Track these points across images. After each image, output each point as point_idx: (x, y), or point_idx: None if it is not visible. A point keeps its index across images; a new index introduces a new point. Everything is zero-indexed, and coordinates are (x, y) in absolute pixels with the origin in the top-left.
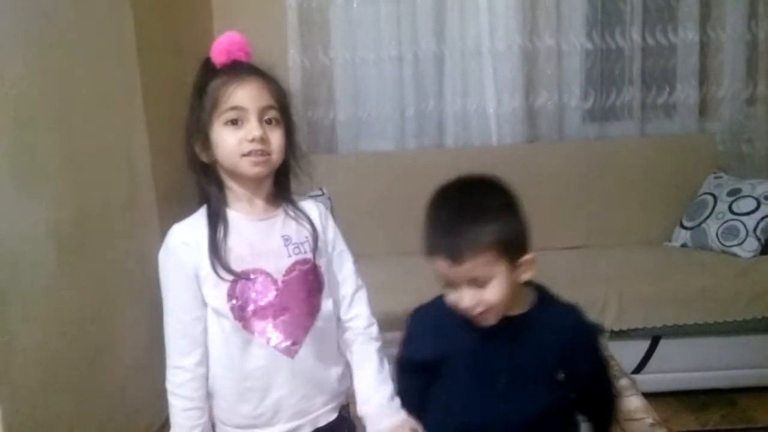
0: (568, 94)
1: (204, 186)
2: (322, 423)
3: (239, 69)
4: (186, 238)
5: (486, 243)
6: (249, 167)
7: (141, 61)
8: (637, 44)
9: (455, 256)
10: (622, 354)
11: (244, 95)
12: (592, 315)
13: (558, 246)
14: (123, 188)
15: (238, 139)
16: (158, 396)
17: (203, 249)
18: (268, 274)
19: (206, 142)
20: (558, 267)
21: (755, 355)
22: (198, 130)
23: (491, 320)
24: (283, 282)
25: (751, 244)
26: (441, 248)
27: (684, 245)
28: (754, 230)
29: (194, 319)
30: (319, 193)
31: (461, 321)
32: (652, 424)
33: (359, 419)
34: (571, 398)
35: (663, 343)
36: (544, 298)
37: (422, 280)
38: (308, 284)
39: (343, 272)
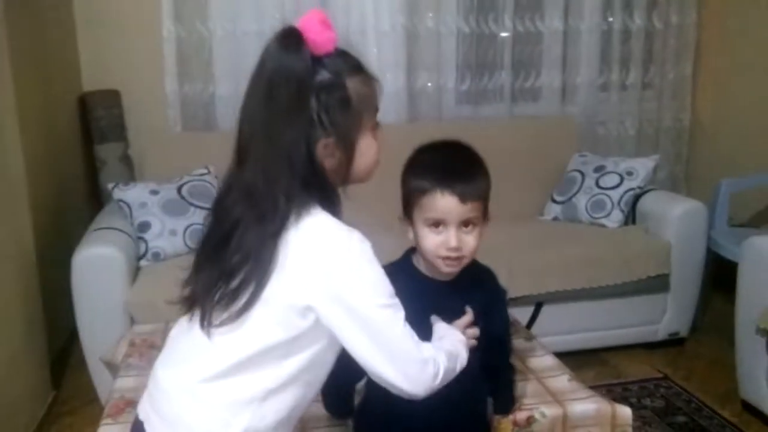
0: (446, 76)
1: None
2: None
3: (357, 61)
4: None
5: (483, 190)
6: (373, 174)
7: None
8: (508, 30)
9: (464, 195)
10: None
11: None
12: None
13: None
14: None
15: (377, 145)
16: (27, 402)
17: None
18: None
19: (343, 146)
20: None
21: (622, 317)
22: (335, 135)
23: (458, 269)
24: None
25: (617, 216)
26: (451, 186)
27: (555, 218)
28: (619, 203)
29: None
30: (205, 171)
31: (418, 283)
32: (569, 380)
33: None
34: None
35: (545, 309)
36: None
37: None
38: None
39: None
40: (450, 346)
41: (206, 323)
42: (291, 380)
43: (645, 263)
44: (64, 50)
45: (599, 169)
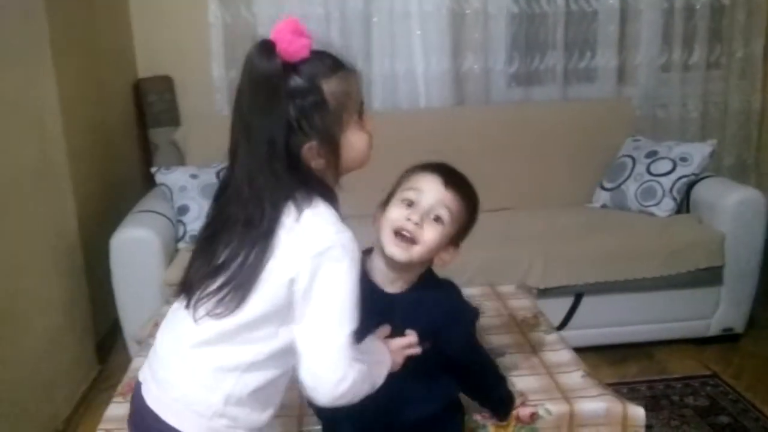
0: (494, 57)
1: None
2: None
3: (335, 59)
4: None
5: (466, 199)
6: (368, 160)
7: (48, 7)
8: (561, 9)
9: (448, 183)
10: (546, 311)
11: (361, 87)
12: (518, 274)
13: (483, 208)
14: (32, 148)
15: (365, 134)
16: (70, 376)
17: None
18: None
19: (327, 147)
20: (485, 228)
21: (670, 310)
22: (318, 138)
23: (406, 257)
24: None
25: (668, 204)
26: (442, 171)
27: (604, 206)
28: (670, 190)
29: None
30: None
31: (368, 290)
32: (583, 376)
33: None
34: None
35: (585, 300)
36: (428, 279)
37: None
38: None
39: None
40: (368, 365)
41: (193, 314)
42: (275, 356)
43: (695, 255)
44: (118, 38)
45: (651, 155)
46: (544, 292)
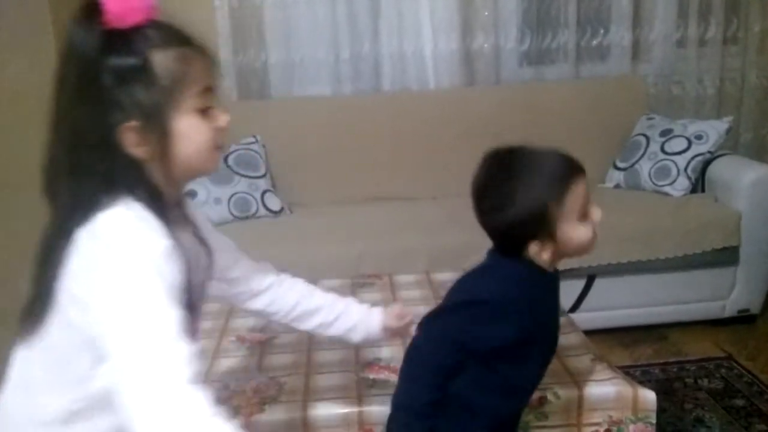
0: (505, 35)
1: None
2: None
3: (179, 34)
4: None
5: None
6: (215, 163)
7: None
8: None
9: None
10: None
11: (209, 71)
12: None
13: None
14: (35, 136)
15: (212, 127)
16: None
17: None
18: None
19: (152, 129)
20: None
21: (685, 291)
22: (141, 117)
23: None
24: None
25: (682, 183)
26: (579, 170)
27: (617, 186)
28: (685, 169)
29: None
30: (253, 140)
31: (538, 293)
32: (592, 360)
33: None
34: None
35: (598, 282)
36: None
37: (363, 228)
38: None
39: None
40: None
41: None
42: (98, 403)
43: (710, 234)
44: None
45: (666, 133)
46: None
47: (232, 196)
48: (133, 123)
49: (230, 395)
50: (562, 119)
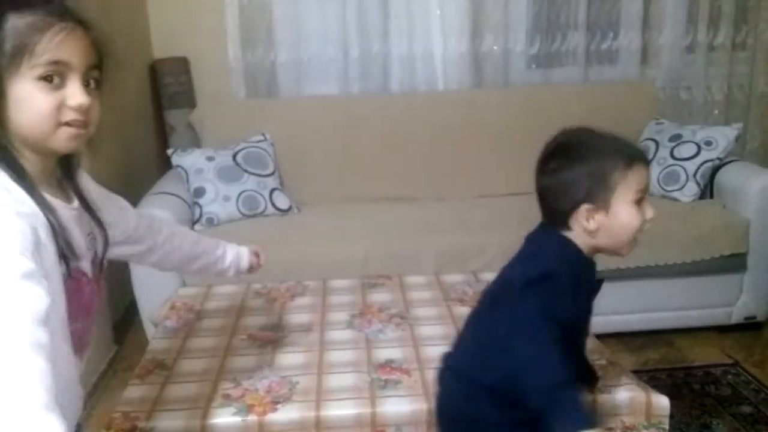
0: (514, 38)
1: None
2: None
3: (54, 6)
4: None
5: None
6: (65, 141)
7: None
8: None
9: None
10: None
11: (71, 47)
12: None
13: (503, 191)
14: None
15: (56, 101)
16: (95, 350)
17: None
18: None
19: None
20: (505, 212)
21: (692, 297)
22: None
23: None
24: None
25: (691, 189)
26: (645, 158)
27: None
28: (694, 175)
29: None
30: (261, 138)
31: (583, 277)
32: (606, 364)
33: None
34: None
35: (605, 286)
36: None
37: (370, 228)
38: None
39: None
40: None
41: None
42: None
43: (719, 241)
44: (133, 19)
45: (675, 138)
46: None
47: (240, 193)
48: None
49: (243, 393)
50: (570, 122)
